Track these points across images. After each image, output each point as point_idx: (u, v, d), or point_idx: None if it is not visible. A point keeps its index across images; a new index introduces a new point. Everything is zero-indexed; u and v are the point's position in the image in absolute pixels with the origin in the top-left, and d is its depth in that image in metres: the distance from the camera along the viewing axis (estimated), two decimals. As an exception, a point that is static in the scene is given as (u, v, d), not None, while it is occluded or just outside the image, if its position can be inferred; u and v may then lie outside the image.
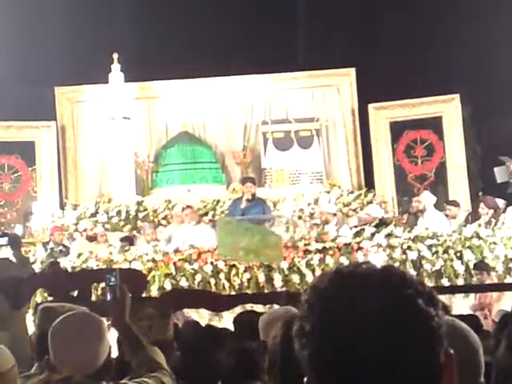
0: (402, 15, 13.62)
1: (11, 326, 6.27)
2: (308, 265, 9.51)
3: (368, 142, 14.68)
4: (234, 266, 9.51)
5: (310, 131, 14.40)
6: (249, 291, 9.21)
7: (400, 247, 9.71)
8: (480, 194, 12.65)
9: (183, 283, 9.39)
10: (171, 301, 6.08)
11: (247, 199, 10.97)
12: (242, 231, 8.19)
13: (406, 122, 14.63)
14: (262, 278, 9.42)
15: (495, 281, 9.16)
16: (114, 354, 3.20)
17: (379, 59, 13.28)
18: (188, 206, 11.75)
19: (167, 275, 9.48)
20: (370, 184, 14.36)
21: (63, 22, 13.67)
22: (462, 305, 8.71)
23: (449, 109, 14.40)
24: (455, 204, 11.47)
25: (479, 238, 9.72)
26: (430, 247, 9.68)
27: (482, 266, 9.21)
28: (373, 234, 9.83)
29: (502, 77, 13.26)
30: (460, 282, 9.45)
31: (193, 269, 9.48)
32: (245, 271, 9.46)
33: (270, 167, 14.21)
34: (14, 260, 7.12)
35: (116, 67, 14.10)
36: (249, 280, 9.45)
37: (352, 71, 14.74)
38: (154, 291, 9.05)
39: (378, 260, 9.15)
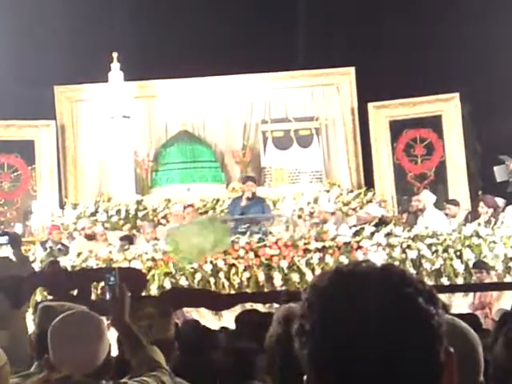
0: (401, 14, 13.62)
1: (11, 325, 6.27)
2: (308, 264, 9.51)
3: (368, 140, 14.69)
4: (233, 265, 9.51)
5: (309, 130, 14.40)
6: (248, 290, 9.22)
7: (400, 246, 9.72)
8: (480, 192, 12.66)
9: (183, 282, 9.39)
10: (171, 300, 6.08)
11: (247, 198, 10.97)
12: (189, 233, 8.26)
13: (405, 120, 14.63)
14: (261, 276, 9.43)
15: (495, 280, 9.16)
16: (114, 353, 3.20)
17: (379, 58, 13.29)
18: (190, 205, 11.77)
19: (167, 274, 9.48)
20: (369, 183, 14.36)
21: (62, 21, 13.67)
22: (461, 304, 8.72)
23: (448, 107, 14.40)
24: (455, 203, 11.46)
25: (479, 236, 9.72)
26: (429, 246, 9.69)
27: (481, 265, 9.21)
28: (372, 233, 9.83)
29: (501, 76, 13.26)
30: (459, 280, 9.45)
31: (192, 268, 9.48)
32: (244, 270, 9.47)
33: (270, 166, 14.22)
34: (13, 259, 7.12)
35: (115, 66, 14.10)
36: (248, 279, 9.45)
37: (352, 70, 14.74)
38: (153, 290, 9.05)
39: (378, 259, 9.14)
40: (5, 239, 6.93)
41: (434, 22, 13.42)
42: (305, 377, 1.17)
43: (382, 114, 14.70)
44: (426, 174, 14.52)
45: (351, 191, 13.83)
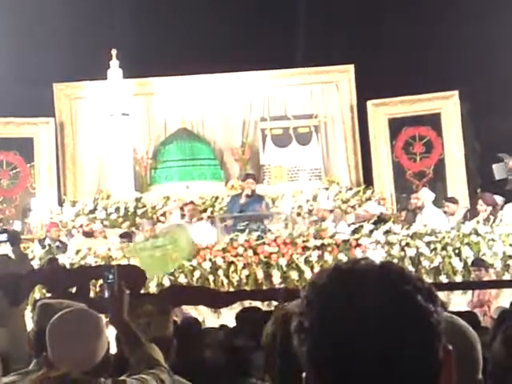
0: (401, 13, 13.62)
1: (10, 323, 6.27)
2: (307, 261, 9.52)
3: (367, 138, 14.68)
4: (232, 262, 9.52)
5: (308, 128, 14.40)
6: (247, 288, 9.22)
7: (398, 244, 9.72)
8: (478, 190, 12.66)
9: (182, 280, 9.40)
10: (170, 297, 6.08)
11: (247, 195, 10.97)
12: (153, 248, 8.35)
13: (404, 118, 14.62)
14: (260, 274, 9.43)
15: (493, 277, 9.17)
16: (113, 350, 3.19)
17: (378, 56, 13.29)
18: (190, 202, 11.78)
19: (166, 272, 9.49)
20: (368, 181, 14.36)
21: (62, 19, 13.66)
22: (460, 301, 8.73)
23: (447, 105, 14.40)
24: (454, 201, 11.47)
25: (477, 234, 9.73)
26: (428, 244, 9.69)
27: (480, 263, 9.22)
28: (371, 231, 9.84)
29: (500, 75, 13.26)
30: (458, 278, 9.47)
31: (191, 265, 9.48)
32: (243, 268, 9.47)
33: (269, 164, 14.21)
34: (13, 256, 7.12)
35: (115, 63, 14.09)
36: (247, 277, 9.46)
37: (351, 68, 14.73)
38: (152, 288, 9.05)
39: (377, 257, 9.14)
40: (4, 237, 6.93)
41: (434, 21, 13.42)
42: (304, 374, 1.17)
43: (381, 111, 14.69)
44: (424, 171, 14.51)
45: (350, 189, 13.83)
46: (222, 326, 5.71)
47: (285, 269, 9.46)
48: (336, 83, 14.99)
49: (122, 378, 2.79)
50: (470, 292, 8.96)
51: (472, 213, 10.97)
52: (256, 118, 14.74)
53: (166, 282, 9.28)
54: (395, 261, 9.04)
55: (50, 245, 10.93)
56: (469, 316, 4.02)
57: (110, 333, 3.13)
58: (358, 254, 9.50)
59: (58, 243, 11.24)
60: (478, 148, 14.21)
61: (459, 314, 2.64)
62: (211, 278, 9.43)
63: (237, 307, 6.79)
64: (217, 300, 7.28)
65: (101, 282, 7.52)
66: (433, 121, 14.54)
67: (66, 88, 14.76)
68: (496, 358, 2.32)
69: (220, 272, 9.47)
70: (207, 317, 8.67)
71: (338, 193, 13.49)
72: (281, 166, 14.17)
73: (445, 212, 10.96)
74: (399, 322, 1.11)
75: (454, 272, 9.52)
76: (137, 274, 6.51)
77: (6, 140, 14.33)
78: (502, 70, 13.28)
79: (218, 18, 13.92)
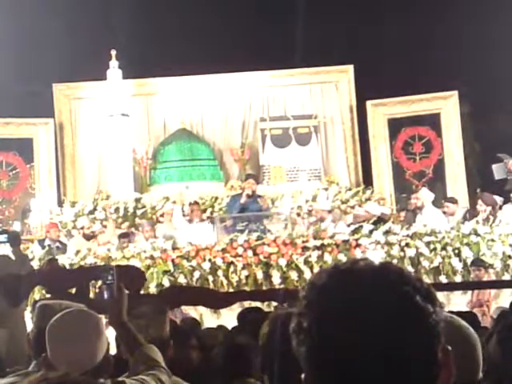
0: (401, 13, 13.62)
1: (10, 324, 6.27)
2: (306, 262, 9.51)
3: (366, 138, 14.67)
4: (232, 263, 9.52)
5: (308, 128, 14.39)
6: (247, 288, 9.22)
7: (398, 244, 9.72)
8: (478, 190, 12.66)
9: (181, 280, 9.39)
10: (169, 298, 6.08)
11: (247, 195, 10.98)
12: None
13: (404, 118, 14.61)
14: (260, 275, 9.43)
15: (493, 278, 9.17)
16: (113, 351, 3.19)
17: (377, 56, 13.29)
18: (195, 203, 11.80)
19: (165, 272, 9.49)
20: (368, 181, 14.36)
21: (62, 19, 13.66)
22: (459, 302, 8.72)
23: (447, 105, 14.39)
24: (453, 201, 11.47)
25: (477, 234, 9.73)
26: (427, 244, 9.69)
27: (479, 263, 9.22)
28: (371, 231, 9.83)
29: (500, 75, 13.27)
30: (458, 278, 9.46)
31: (191, 266, 9.48)
32: (243, 268, 9.47)
33: (268, 164, 14.21)
34: (13, 257, 7.11)
35: (114, 64, 14.08)
36: (247, 277, 9.46)
37: (350, 68, 14.72)
38: (152, 288, 9.05)
39: (376, 257, 9.14)
40: (4, 237, 6.92)
41: (434, 21, 13.42)
42: (302, 375, 1.17)
43: (380, 111, 14.69)
44: (424, 171, 14.51)
45: (349, 189, 13.81)
46: (220, 327, 5.71)
47: (284, 269, 9.46)
48: (335, 83, 14.98)
49: (122, 378, 2.79)
50: (469, 292, 8.96)
51: (471, 213, 10.97)
52: (255, 119, 14.73)
53: (166, 283, 9.28)
54: (395, 261, 9.05)
55: (49, 245, 10.92)
56: (469, 316, 4.02)
57: (110, 334, 3.13)
58: (357, 254, 9.49)
59: (57, 244, 11.23)
60: (477, 148, 14.22)
61: (459, 314, 2.64)
62: (211, 278, 9.43)
63: (236, 308, 6.79)
64: (216, 300, 7.27)
65: (100, 282, 7.52)
66: (432, 121, 14.53)
67: (66, 88, 14.75)
68: (491, 357, 2.32)
69: (220, 272, 9.46)
70: (207, 317, 8.67)
71: (338, 193, 13.48)
72: (280, 166, 14.16)
73: (444, 212, 10.96)
74: (398, 323, 1.11)
75: (453, 272, 9.52)
76: (136, 274, 6.50)
77: (6, 140, 14.32)
78: (501, 70, 13.28)
79: (217, 18, 13.93)
